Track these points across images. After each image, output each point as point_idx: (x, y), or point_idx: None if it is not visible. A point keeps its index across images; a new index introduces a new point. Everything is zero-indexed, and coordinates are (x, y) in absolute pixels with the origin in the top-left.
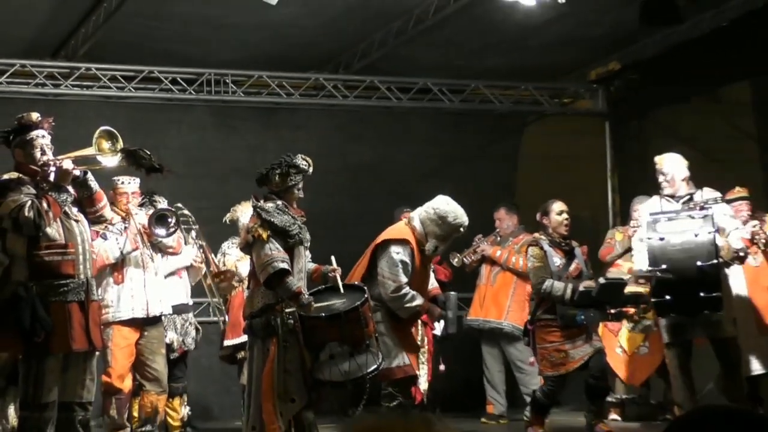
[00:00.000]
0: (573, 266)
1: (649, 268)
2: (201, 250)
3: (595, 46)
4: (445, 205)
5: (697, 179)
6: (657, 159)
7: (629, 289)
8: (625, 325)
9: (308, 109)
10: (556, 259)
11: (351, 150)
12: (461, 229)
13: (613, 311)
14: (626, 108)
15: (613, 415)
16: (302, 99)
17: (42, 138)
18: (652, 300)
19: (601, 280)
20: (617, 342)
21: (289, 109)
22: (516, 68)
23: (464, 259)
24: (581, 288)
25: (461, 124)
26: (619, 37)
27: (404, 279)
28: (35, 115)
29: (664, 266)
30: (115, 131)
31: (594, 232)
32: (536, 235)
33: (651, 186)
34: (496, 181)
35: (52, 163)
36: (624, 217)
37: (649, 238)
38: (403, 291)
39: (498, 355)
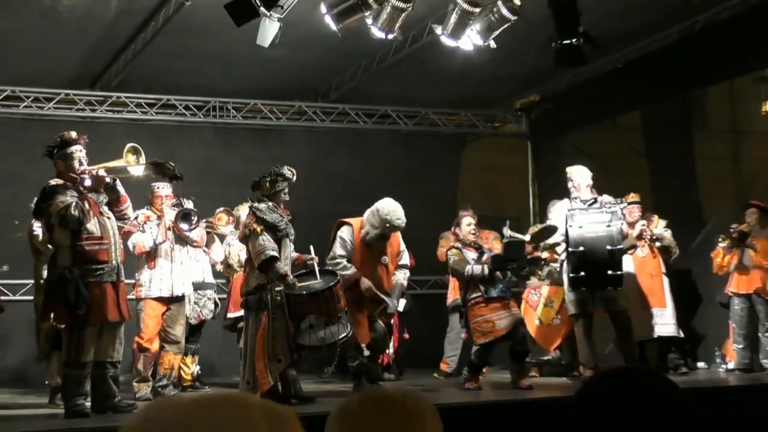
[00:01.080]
0: (484, 257)
1: (571, 249)
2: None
3: (519, 81)
4: (384, 204)
5: (599, 187)
6: (568, 170)
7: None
8: (540, 303)
9: (293, 130)
10: (470, 254)
11: (327, 163)
12: (387, 225)
13: (522, 273)
14: (544, 131)
15: (533, 373)
16: (288, 122)
17: (79, 152)
18: (570, 275)
19: (504, 240)
20: (536, 316)
21: (278, 130)
22: (457, 99)
23: None
24: (487, 258)
25: (414, 142)
26: (539, 75)
27: (340, 252)
28: (74, 134)
29: (581, 248)
30: (139, 147)
31: (518, 228)
32: (451, 244)
33: (563, 193)
34: (442, 188)
35: (87, 172)
36: (542, 217)
37: (570, 226)
38: (336, 260)
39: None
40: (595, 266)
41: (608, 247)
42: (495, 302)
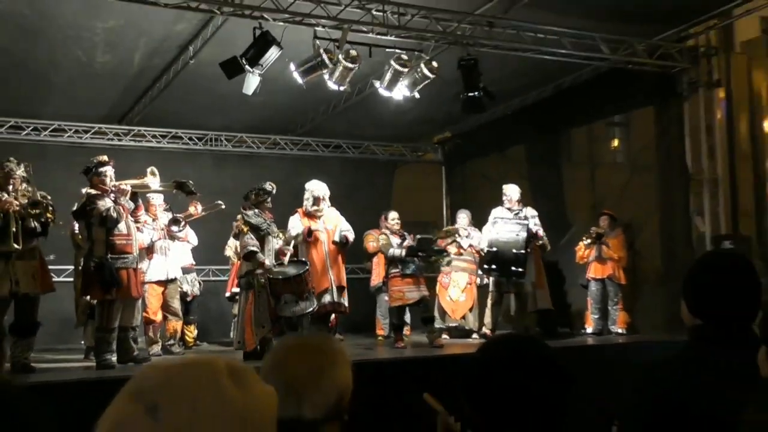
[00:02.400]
0: (405, 243)
1: (486, 249)
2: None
3: (436, 123)
4: (307, 184)
5: (490, 201)
6: (504, 187)
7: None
8: (451, 284)
9: (270, 156)
10: (395, 240)
11: (295, 181)
12: (306, 193)
13: (430, 260)
14: (454, 159)
15: (445, 336)
16: (266, 150)
17: (110, 171)
18: (485, 267)
19: (417, 237)
20: (447, 294)
21: (258, 156)
22: (391, 134)
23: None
24: (408, 244)
25: (358, 166)
26: (450, 118)
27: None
28: (105, 157)
29: (495, 249)
30: (155, 170)
31: (433, 228)
32: (383, 230)
33: (467, 205)
34: (379, 201)
35: (115, 187)
36: (452, 221)
37: (490, 232)
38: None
39: (383, 299)
40: (504, 263)
41: (513, 251)
42: (408, 278)
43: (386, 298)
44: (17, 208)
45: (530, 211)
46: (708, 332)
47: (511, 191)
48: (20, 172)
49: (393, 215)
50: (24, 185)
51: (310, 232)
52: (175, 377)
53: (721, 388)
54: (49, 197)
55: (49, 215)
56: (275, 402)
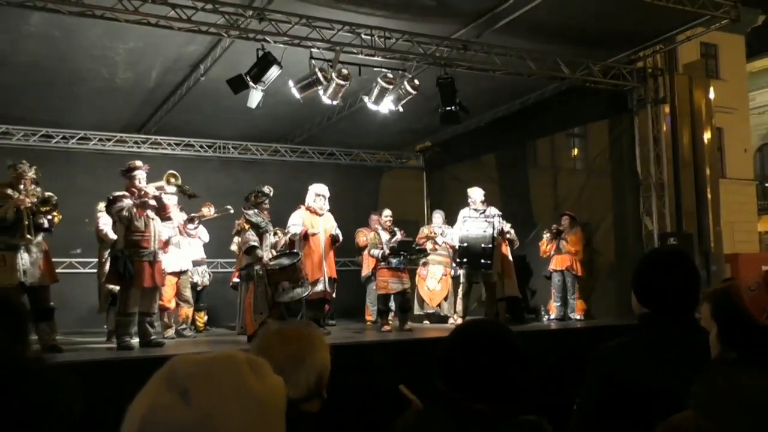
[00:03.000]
0: (394, 239)
1: (458, 244)
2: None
3: (418, 133)
4: (311, 186)
5: (462, 203)
6: (468, 190)
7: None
8: (428, 276)
9: (271, 162)
10: (384, 236)
11: (292, 184)
12: (312, 192)
13: (411, 257)
14: (434, 165)
15: (426, 321)
16: (268, 157)
17: (140, 174)
18: (457, 260)
19: (399, 239)
20: (425, 284)
21: (260, 162)
22: (378, 143)
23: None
24: (397, 239)
25: (349, 171)
26: (430, 129)
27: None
28: (137, 162)
29: (465, 244)
30: (176, 173)
31: (415, 227)
32: (375, 226)
33: (444, 206)
34: (367, 202)
35: (142, 189)
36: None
37: (460, 229)
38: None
39: (372, 288)
40: (474, 256)
41: (482, 245)
42: (393, 270)
43: (374, 287)
44: (29, 205)
45: (494, 210)
46: (654, 320)
47: (475, 194)
48: (31, 173)
49: (387, 213)
50: (33, 186)
51: (306, 235)
52: (203, 367)
53: (667, 367)
54: (55, 198)
55: (56, 214)
56: (284, 391)
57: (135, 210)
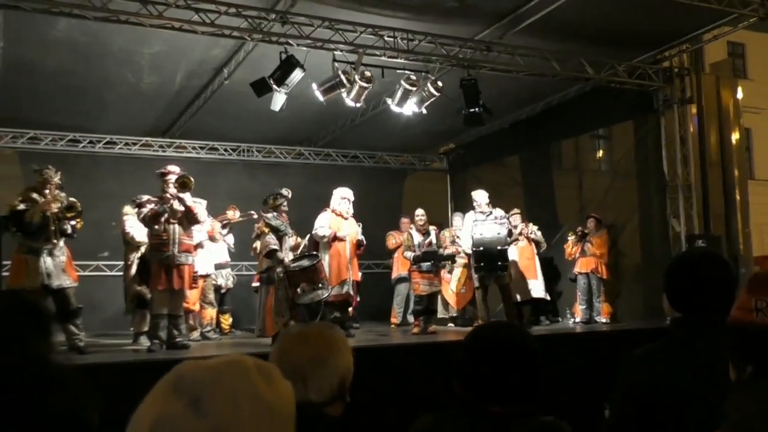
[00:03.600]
0: (427, 240)
1: (473, 249)
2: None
3: (441, 135)
4: (336, 189)
5: (492, 204)
6: (472, 193)
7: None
8: (452, 279)
9: (294, 164)
10: (417, 237)
11: (315, 187)
12: (337, 195)
13: (438, 265)
14: (457, 167)
15: (450, 324)
16: (291, 160)
17: (172, 179)
18: (474, 265)
19: (424, 250)
20: (450, 287)
21: (284, 165)
22: (401, 145)
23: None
24: (416, 253)
25: (372, 174)
26: (454, 131)
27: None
28: (170, 167)
29: (481, 248)
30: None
31: (439, 229)
32: (409, 228)
33: (468, 208)
34: (391, 204)
35: (173, 195)
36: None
37: (474, 234)
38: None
39: (402, 289)
40: (490, 259)
41: (498, 247)
42: (423, 273)
43: (404, 289)
44: (55, 210)
45: (500, 212)
46: (687, 323)
47: (480, 196)
48: (56, 179)
49: (420, 213)
50: (58, 191)
51: (335, 238)
52: (214, 374)
53: (700, 373)
54: (80, 204)
55: (79, 220)
56: (293, 395)
57: (151, 215)
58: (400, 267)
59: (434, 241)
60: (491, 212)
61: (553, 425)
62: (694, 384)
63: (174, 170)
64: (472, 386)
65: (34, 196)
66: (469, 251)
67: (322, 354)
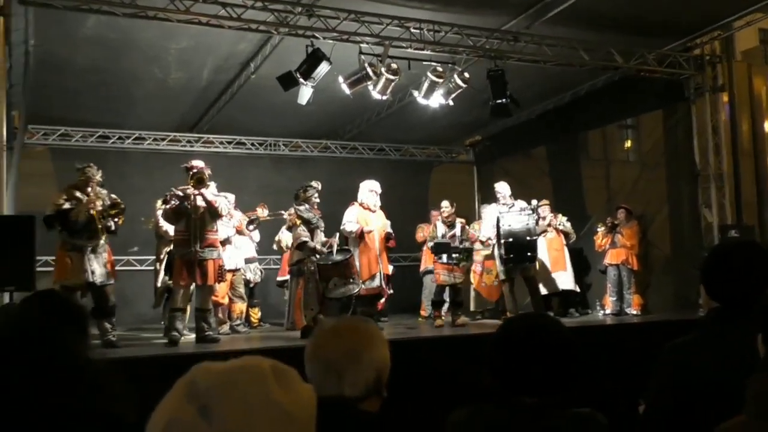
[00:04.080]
0: (451, 233)
1: (503, 240)
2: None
3: (468, 127)
4: (363, 182)
5: (520, 196)
6: (495, 185)
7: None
8: (484, 272)
9: (321, 158)
10: (442, 229)
11: (342, 180)
12: (365, 188)
13: (454, 256)
14: (483, 159)
15: (479, 317)
16: (318, 153)
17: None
18: (503, 257)
19: (435, 242)
20: (483, 280)
21: (311, 159)
22: (428, 138)
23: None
24: (431, 244)
25: (399, 166)
26: (480, 123)
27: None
28: (193, 162)
29: (511, 239)
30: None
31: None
32: (435, 221)
33: (494, 200)
34: (417, 197)
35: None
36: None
37: (501, 224)
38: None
39: (429, 282)
40: (520, 250)
41: (527, 238)
42: (444, 265)
43: (432, 280)
44: (99, 208)
45: (522, 203)
46: (725, 314)
47: (504, 188)
48: (98, 176)
49: (445, 205)
50: (99, 189)
51: (362, 234)
52: (225, 379)
53: (739, 364)
54: (123, 203)
55: (121, 217)
56: (314, 399)
57: (179, 211)
58: (428, 259)
59: (458, 233)
60: (514, 204)
61: (589, 416)
62: (733, 374)
63: (198, 165)
64: (505, 378)
65: (78, 194)
66: (483, 238)
67: (357, 348)
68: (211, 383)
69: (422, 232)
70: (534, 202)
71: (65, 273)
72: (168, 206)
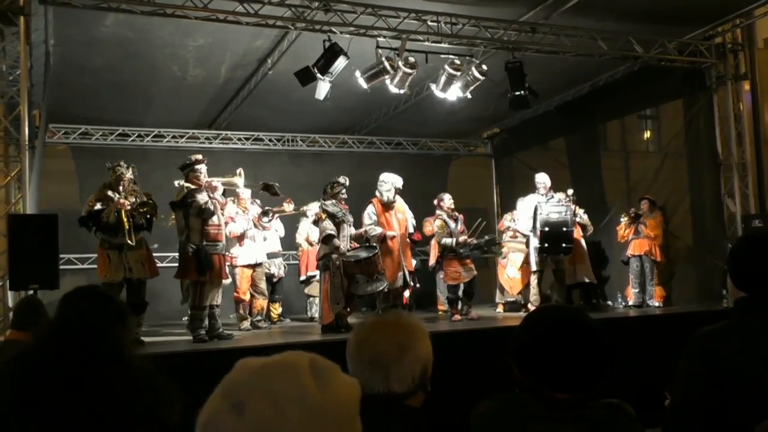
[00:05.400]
0: (460, 226)
1: (540, 229)
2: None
3: (486, 119)
4: (383, 175)
5: (534, 188)
6: (536, 175)
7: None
8: (509, 264)
9: (338, 153)
10: (451, 223)
11: (361, 174)
12: (385, 182)
13: (485, 249)
14: (502, 152)
15: (498, 309)
16: (336, 148)
17: (203, 168)
18: (537, 246)
19: (486, 238)
20: (505, 272)
21: (328, 154)
22: (445, 131)
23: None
24: (475, 241)
25: (417, 160)
26: (498, 115)
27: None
28: (200, 156)
29: (547, 228)
30: (242, 171)
31: (485, 215)
32: (438, 213)
33: (516, 192)
34: (436, 191)
35: (207, 182)
36: (502, 209)
37: (539, 213)
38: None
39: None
40: (555, 240)
41: (563, 229)
42: (463, 260)
43: (441, 276)
44: (129, 207)
45: (560, 195)
46: (752, 303)
47: (544, 178)
48: (129, 174)
49: (449, 197)
50: (131, 186)
51: (384, 239)
52: (259, 376)
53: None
54: (152, 196)
55: (155, 214)
56: (356, 394)
57: (217, 203)
58: (436, 253)
59: (465, 228)
60: (553, 195)
61: (618, 407)
62: (762, 363)
63: (200, 158)
64: (532, 371)
65: (110, 194)
66: (527, 233)
67: (403, 342)
68: (245, 378)
69: (431, 226)
70: (570, 191)
71: (105, 270)
72: (195, 202)
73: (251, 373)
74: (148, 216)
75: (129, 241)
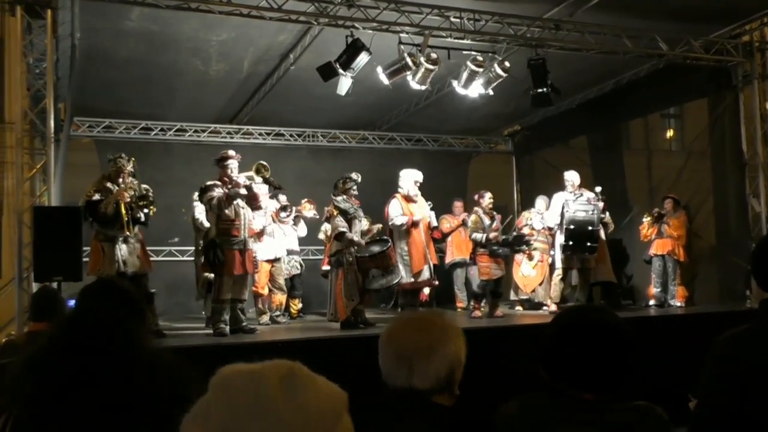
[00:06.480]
0: (494, 224)
1: (565, 226)
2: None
3: (507, 117)
4: (403, 171)
5: (557, 187)
6: (565, 173)
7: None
8: (524, 262)
9: (359, 149)
10: (486, 220)
11: (381, 171)
12: (407, 177)
13: (517, 249)
14: (523, 149)
15: (518, 307)
16: (356, 144)
17: (232, 164)
18: (562, 244)
19: (515, 234)
20: (521, 270)
21: (349, 150)
22: (466, 128)
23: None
24: (506, 237)
25: (437, 157)
26: (520, 112)
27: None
28: (231, 152)
29: (573, 226)
30: (265, 163)
31: (505, 212)
32: (476, 209)
33: (536, 190)
34: (456, 188)
35: (235, 178)
36: (523, 204)
37: (566, 211)
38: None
39: (461, 274)
40: (581, 239)
41: (589, 228)
42: (494, 257)
43: (472, 272)
44: (128, 199)
45: (589, 194)
46: None
47: (573, 177)
48: (129, 167)
49: (488, 195)
50: (131, 179)
51: (414, 224)
52: (225, 387)
53: None
54: (151, 191)
55: (152, 208)
56: (336, 405)
57: (225, 199)
58: (455, 251)
59: (500, 225)
60: (582, 194)
61: (648, 409)
62: None
63: (232, 155)
64: (561, 373)
65: (109, 185)
66: (554, 226)
67: (431, 342)
68: (215, 383)
69: (447, 223)
70: (598, 189)
71: (98, 263)
72: (217, 194)
73: (221, 382)
74: (146, 210)
75: (127, 232)
